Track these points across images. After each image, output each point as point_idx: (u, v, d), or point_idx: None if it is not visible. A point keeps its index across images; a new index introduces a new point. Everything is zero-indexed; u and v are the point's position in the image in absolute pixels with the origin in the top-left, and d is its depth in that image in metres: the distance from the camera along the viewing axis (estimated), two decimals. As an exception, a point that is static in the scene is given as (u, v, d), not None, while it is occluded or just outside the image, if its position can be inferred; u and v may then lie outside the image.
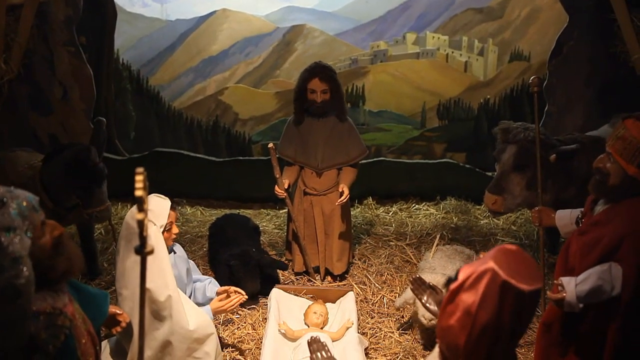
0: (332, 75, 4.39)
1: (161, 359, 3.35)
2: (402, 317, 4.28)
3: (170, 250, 3.60)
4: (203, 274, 4.70)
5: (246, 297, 3.72)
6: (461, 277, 1.85)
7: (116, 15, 5.68)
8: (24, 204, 1.92)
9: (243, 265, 4.32)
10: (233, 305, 3.60)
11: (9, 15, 4.84)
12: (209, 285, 3.88)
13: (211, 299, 3.70)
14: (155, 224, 3.32)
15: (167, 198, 3.46)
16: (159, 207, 3.39)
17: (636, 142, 2.71)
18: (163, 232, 3.38)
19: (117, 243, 3.43)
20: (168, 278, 3.27)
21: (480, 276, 1.77)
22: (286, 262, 4.91)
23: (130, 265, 3.25)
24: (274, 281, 4.55)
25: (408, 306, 4.07)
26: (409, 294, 3.98)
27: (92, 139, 4.07)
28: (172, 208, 3.46)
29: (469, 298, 1.78)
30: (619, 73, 5.08)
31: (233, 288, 3.70)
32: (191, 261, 4.05)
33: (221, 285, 4.01)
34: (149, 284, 3.15)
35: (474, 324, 1.77)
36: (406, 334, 4.14)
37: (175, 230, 3.54)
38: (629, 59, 4.95)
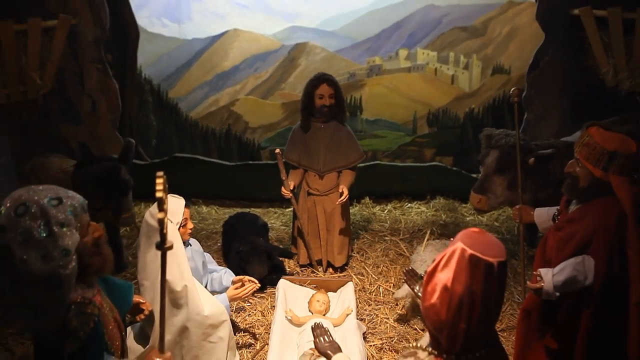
0: (337, 82, 4.47)
1: (179, 343, 3.35)
2: (396, 304, 4.28)
3: (187, 244, 3.59)
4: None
5: (259, 285, 3.72)
6: (435, 260, 1.88)
7: (139, 35, 5.69)
8: (77, 204, 1.95)
9: (251, 250, 4.34)
10: (247, 292, 3.60)
11: (43, 36, 4.87)
12: (225, 275, 3.89)
13: (227, 288, 3.71)
14: (171, 222, 3.32)
15: (181, 197, 3.46)
16: (174, 206, 3.39)
17: (600, 148, 2.72)
18: (179, 228, 3.39)
19: (138, 239, 3.44)
20: (184, 270, 3.27)
21: (452, 255, 1.81)
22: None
23: (150, 259, 3.26)
24: (279, 270, 4.56)
25: (406, 300, 4.06)
26: (406, 288, 3.98)
27: (121, 157, 4.07)
28: (186, 205, 3.47)
29: (444, 275, 1.81)
30: (590, 85, 5.08)
31: (247, 277, 3.70)
32: (207, 254, 4.05)
33: (232, 270, 4.03)
34: (167, 276, 3.16)
35: (451, 297, 1.79)
36: (400, 320, 4.14)
37: (190, 225, 3.55)
38: (598, 72, 4.95)
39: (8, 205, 1.87)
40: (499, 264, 1.78)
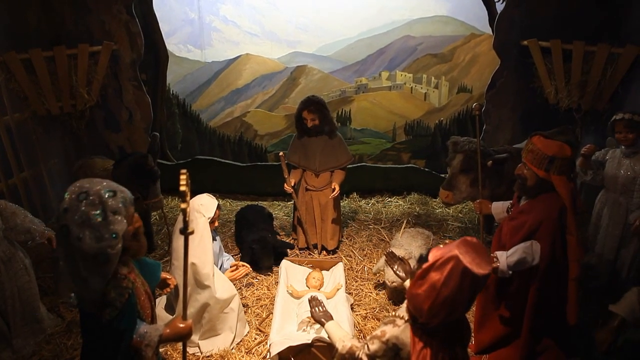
0: (319, 107, 4.29)
1: (201, 315, 3.35)
2: (378, 281, 4.27)
3: (214, 237, 3.58)
4: (230, 250, 4.72)
5: (250, 269, 3.73)
6: (432, 258, 1.81)
7: (168, 58, 5.67)
8: (128, 198, 1.96)
9: (262, 248, 4.34)
10: (241, 275, 3.66)
11: (90, 59, 4.85)
12: (226, 261, 3.89)
13: (226, 270, 3.72)
14: (204, 216, 3.30)
15: (215, 199, 3.44)
16: (209, 203, 3.38)
17: (542, 153, 2.73)
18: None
19: (174, 227, 3.42)
20: (209, 256, 3.27)
21: (447, 260, 1.74)
22: (292, 241, 4.91)
23: (181, 243, 3.24)
24: (284, 257, 4.55)
25: (381, 272, 4.06)
26: (381, 262, 3.98)
27: (148, 148, 4.05)
28: (218, 208, 3.45)
29: (435, 276, 1.76)
30: (536, 102, 5.09)
31: (241, 263, 3.74)
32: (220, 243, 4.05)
33: (245, 261, 4.04)
34: (195, 260, 3.17)
35: (437, 296, 1.74)
36: (381, 293, 4.13)
37: (215, 224, 3.53)
38: (543, 92, 4.97)
39: (71, 191, 1.88)
40: (483, 276, 1.72)
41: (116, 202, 1.89)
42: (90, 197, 1.85)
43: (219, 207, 3.45)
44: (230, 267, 3.71)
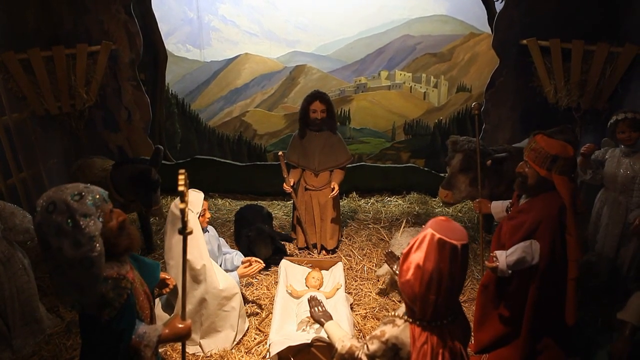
0: (328, 99, 4.39)
1: (199, 312, 3.34)
2: (378, 280, 4.27)
3: (205, 230, 3.57)
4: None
5: (264, 264, 3.69)
6: (410, 243, 1.88)
7: (167, 58, 5.65)
8: (97, 196, 1.92)
9: (258, 235, 4.33)
10: (254, 270, 3.59)
11: (88, 58, 4.85)
12: (236, 256, 3.87)
13: (237, 267, 3.69)
14: (192, 211, 3.30)
15: (200, 192, 3.45)
16: (195, 198, 3.38)
17: (545, 152, 2.73)
18: (199, 217, 3.37)
19: (165, 226, 3.42)
20: (202, 251, 3.25)
21: (423, 239, 1.82)
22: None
23: (174, 242, 3.24)
24: (281, 251, 4.55)
25: (390, 273, 4.05)
26: (387, 266, 3.97)
27: (152, 160, 4.02)
28: (205, 199, 3.45)
29: (417, 256, 1.82)
30: (535, 101, 5.09)
31: (254, 258, 3.68)
32: (221, 238, 4.04)
33: (243, 253, 4.00)
34: (188, 256, 3.13)
35: (423, 274, 1.80)
36: (381, 293, 4.13)
37: (207, 215, 3.53)
38: (542, 91, 4.97)
39: (41, 205, 1.85)
40: (462, 246, 1.78)
41: (84, 205, 1.85)
42: (58, 206, 1.82)
43: (205, 199, 3.45)
44: (242, 263, 3.68)
